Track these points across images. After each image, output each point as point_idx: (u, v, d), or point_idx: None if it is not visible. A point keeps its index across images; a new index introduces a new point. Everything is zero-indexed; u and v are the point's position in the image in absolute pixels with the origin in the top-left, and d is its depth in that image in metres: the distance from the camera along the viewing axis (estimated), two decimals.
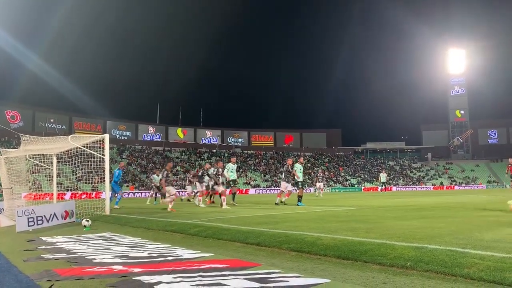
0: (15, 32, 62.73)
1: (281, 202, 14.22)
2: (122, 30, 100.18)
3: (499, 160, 78.98)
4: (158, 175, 20.77)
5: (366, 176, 71.94)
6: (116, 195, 15.78)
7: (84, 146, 11.76)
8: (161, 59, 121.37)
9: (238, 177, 15.85)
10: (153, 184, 20.65)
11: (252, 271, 3.85)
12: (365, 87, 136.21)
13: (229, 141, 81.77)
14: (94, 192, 34.23)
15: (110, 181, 13.59)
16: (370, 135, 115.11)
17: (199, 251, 5.04)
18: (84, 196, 34.70)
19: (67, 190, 34.53)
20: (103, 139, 11.96)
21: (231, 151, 76.19)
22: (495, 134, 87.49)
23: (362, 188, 61.52)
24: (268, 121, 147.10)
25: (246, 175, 62.80)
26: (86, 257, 4.84)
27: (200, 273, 3.75)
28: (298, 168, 14.31)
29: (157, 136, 75.35)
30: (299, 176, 14.27)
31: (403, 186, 64.67)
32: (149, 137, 74.74)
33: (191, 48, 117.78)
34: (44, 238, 6.88)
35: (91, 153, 11.85)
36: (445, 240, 4.75)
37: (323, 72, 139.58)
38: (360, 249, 4.34)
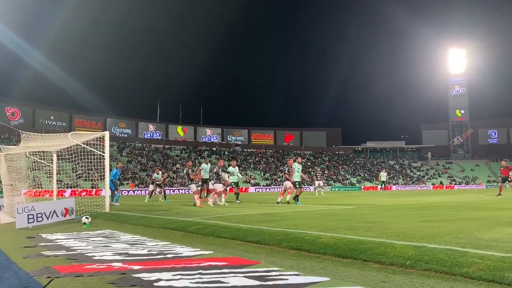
0: (17, 29, 62.73)
1: (286, 202, 13.88)
2: (123, 28, 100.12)
3: (499, 160, 78.88)
4: (158, 173, 20.83)
5: (366, 175, 71.95)
6: (116, 193, 15.83)
7: (84, 144, 11.76)
8: (162, 57, 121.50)
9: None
10: (155, 182, 20.60)
11: (251, 269, 3.85)
12: (365, 86, 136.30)
13: (229, 139, 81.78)
14: (94, 190, 34.29)
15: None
16: (370, 134, 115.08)
17: (199, 249, 5.04)
18: (84, 193, 34.74)
19: (67, 187, 34.55)
20: (103, 136, 11.96)
21: (231, 149, 76.19)
22: (495, 134, 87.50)
23: (362, 187, 61.54)
24: (268, 119, 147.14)
25: (246, 173, 62.82)
26: (85, 254, 4.84)
27: (200, 271, 3.75)
28: (296, 167, 14.27)
29: (157, 134, 75.36)
30: (295, 176, 14.19)
31: (403, 185, 64.69)
32: (149, 134, 74.76)
33: (192, 46, 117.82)
34: (44, 235, 6.88)
35: (91, 150, 11.85)
36: (444, 239, 4.75)
37: (324, 71, 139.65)
38: (359, 248, 4.34)
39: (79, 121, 67.26)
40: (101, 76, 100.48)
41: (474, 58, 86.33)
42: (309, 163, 71.12)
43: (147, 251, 5.02)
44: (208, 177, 16.12)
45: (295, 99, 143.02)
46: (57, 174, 13.36)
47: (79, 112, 69.04)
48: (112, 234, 6.97)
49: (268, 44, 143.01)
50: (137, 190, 45.00)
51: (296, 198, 13.96)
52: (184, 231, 6.91)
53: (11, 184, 12.07)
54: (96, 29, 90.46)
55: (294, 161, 14.69)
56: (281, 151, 79.22)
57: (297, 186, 14.14)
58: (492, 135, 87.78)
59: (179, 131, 78.07)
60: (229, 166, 16.00)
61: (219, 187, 14.24)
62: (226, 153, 72.89)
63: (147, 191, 20.87)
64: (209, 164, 16.60)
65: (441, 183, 68.57)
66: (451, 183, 68.36)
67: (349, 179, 69.08)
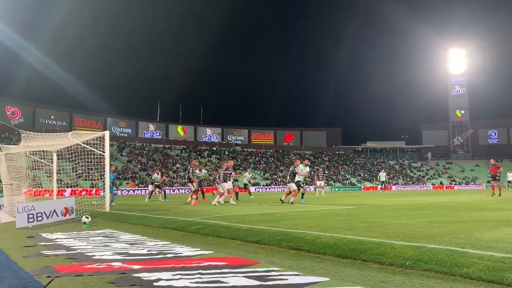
0: (17, 28, 62.71)
1: (290, 203, 13.70)
2: (123, 27, 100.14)
3: (500, 160, 78.89)
4: (158, 174, 20.84)
5: (366, 175, 71.95)
6: (102, 193, 15.60)
7: (84, 143, 11.77)
8: (162, 57, 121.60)
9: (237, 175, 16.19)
10: (154, 183, 20.56)
11: (251, 269, 3.86)
12: (365, 86, 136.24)
13: (229, 139, 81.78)
14: (94, 189, 34.27)
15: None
16: (370, 134, 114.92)
17: (199, 249, 5.05)
18: (84, 193, 34.73)
19: (67, 187, 34.55)
20: (104, 136, 11.97)
21: (231, 149, 76.19)
22: (495, 134, 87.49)
23: (362, 187, 61.54)
24: (268, 119, 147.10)
25: (235, 173, 62.70)
26: (85, 254, 4.85)
27: (200, 271, 3.75)
28: (300, 168, 14.42)
29: (157, 134, 75.37)
30: (299, 176, 14.34)
31: (402, 186, 64.69)
32: (149, 134, 74.76)
33: (191, 46, 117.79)
34: (44, 235, 6.89)
35: (91, 150, 11.85)
36: (444, 239, 4.75)
37: (324, 71, 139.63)
38: (359, 248, 4.34)
39: (79, 121, 67.26)
40: (102, 76, 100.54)
41: (474, 58, 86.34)
42: (309, 163, 71.01)
43: (147, 250, 5.02)
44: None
45: (295, 99, 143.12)
46: (57, 174, 13.36)
47: (79, 111, 69.04)
48: (112, 233, 6.97)
49: (268, 44, 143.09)
50: (137, 190, 45.01)
51: (301, 196, 14.39)
52: (184, 231, 6.91)
53: (11, 184, 12.07)
54: (96, 28, 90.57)
55: (301, 162, 14.83)
56: (281, 151, 79.22)
57: (301, 185, 14.40)
58: (492, 135, 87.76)
59: (179, 131, 78.08)
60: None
61: (227, 186, 14.48)
62: (226, 152, 72.89)
63: (147, 191, 20.85)
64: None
65: (441, 183, 68.55)
66: (451, 183, 68.34)
67: (349, 179, 69.08)
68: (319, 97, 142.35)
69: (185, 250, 4.98)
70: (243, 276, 3.52)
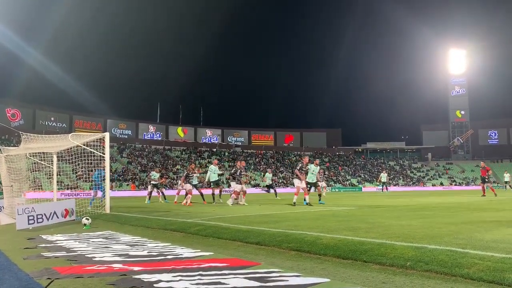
0: (17, 30, 62.78)
1: (293, 204, 13.22)
2: (122, 28, 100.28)
3: (500, 160, 78.98)
4: (157, 172, 20.73)
5: (366, 176, 71.93)
6: (92, 195, 15.31)
7: (84, 145, 11.77)
8: (162, 58, 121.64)
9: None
10: (151, 182, 20.40)
11: (252, 270, 3.85)
12: (365, 87, 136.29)
13: (229, 140, 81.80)
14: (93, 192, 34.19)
15: (103, 180, 13.49)
16: (370, 135, 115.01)
17: (199, 250, 5.04)
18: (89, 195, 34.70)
19: (67, 189, 34.52)
20: (104, 137, 11.97)
21: (231, 150, 76.21)
22: (495, 135, 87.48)
23: (362, 188, 61.52)
24: (268, 120, 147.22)
25: (247, 174, 62.80)
26: (86, 256, 4.84)
27: (200, 272, 3.75)
28: (311, 169, 14.14)
29: (158, 135, 75.39)
30: (308, 177, 14.06)
31: (403, 186, 64.66)
32: (149, 135, 74.78)
33: (191, 47, 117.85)
34: (44, 236, 6.88)
35: (91, 151, 11.85)
36: (444, 240, 4.75)
37: (324, 72, 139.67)
38: (360, 249, 4.34)
39: (79, 122, 67.27)
40: (101, 77, 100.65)
41: (474, 59, 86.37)
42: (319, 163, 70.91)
43: (147, 252, 5.02)
44: (217, 178, 16.71)
45: (295, 100, 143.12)
46: (57, 175, 13.36)
47: (79, 113, 69.07)
48: (112, 235, 6.97)
49: (268, 44, 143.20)
50: (138, 191, 44.99)
51: (319, 197, 14.53)
52: (184, 232, 6.91)
53: (11, 185, 12.08)
54: (96, 29, 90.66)
55: (312, 162, 14.65)
56: (281, 152, 79.23)
57: (317, 185, 14.47)
58: (492, 135, 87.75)
59: (179, 132, 78.09)
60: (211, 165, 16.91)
61: (238, 187, 14.60)
62: (227, 154, 72.89)
63: (147, 193, 20.81)
64: (217, 166, 16.85)
65: (441, 184, 68.52)
66: (451, 184, 68.30)
67: (349, 180, 69.05)
68: (319, 98, 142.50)
69: (186, 252, 4.97)
70: (243, 278, 3.52)
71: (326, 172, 69.21)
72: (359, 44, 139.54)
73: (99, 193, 15.02)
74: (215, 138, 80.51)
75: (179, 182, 17.21)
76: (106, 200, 11.81)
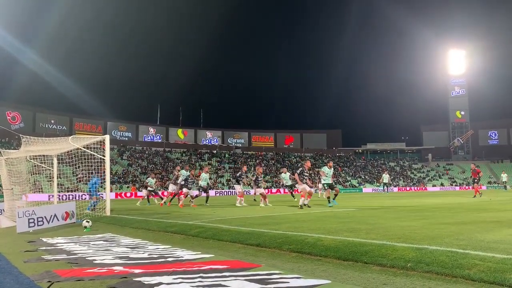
0: (16, 33, 62.88)
1: (300, 206, 12.98)
2: (122, 30, 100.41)
3: (500, 161, 78.96)
4: (153, 178, 21.00)
5: (366, 177, 71.91)
6: (91, 201, 15.25)
7: (84, 147, 11.77)
8: (162, 60, 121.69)
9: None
10: (148, 187, 20.75)
11: (252, 272, 3.85)
12: (365, 88, 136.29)
13: (229, 141, 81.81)
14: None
15: (102, 183, 13.56)
16: (371, 136, 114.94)
17: (200, 252, 5.04)
18: (84, 197, 34.67)
19: (68, 191, 34.51)
20: (104, 140, 11.98)
21: (232, 152, 76.21)
22: (495, 135, 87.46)
23: (363, 188, 61.50)
24: (268, 122, 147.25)
25: (247, 176, 62.76)
26: (86, 258, 4.84)
27: (201, 274, 3.75)
28: (326, 171, 14.42)
29: (158, 137, 75.40)
30: (325, 179, 14.31)
31: (403, 187, 64.63)
32: (149, 138, 74.79)
33: (191, 48, 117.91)
34: (44, 239, 6.88)
35: (91, 154, 11.86)
36: (445, 241, 4.75)
37: (324, 73, 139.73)
38: (360, 250, 4.34)
39: (80, 125, 67.29)
40: (101, 80, 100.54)
41: (474, 59, 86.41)
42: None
43: (148, 254, 5.02)
44: (207, 184, 16.90)
45: (295, 101, 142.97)
46: (57, 178, 13.37)
47: (79, 115, 69.10)
48: (112, 237, 6.97)
49: (268, 45, 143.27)
50: (139, 193, 44.95)
51: (333, 197, 14.31)
52: (184, 234, 6.90)
53: (12, 188, 12.08)
54: (95, 32, 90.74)
55: (325, 164, 14.85)
56: (281, 154, 79.21)
57: (334, 186, 14.50)
58: (492, 136, 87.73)
59: (180, 134, 78.10)
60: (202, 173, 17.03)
61: (261, 190, 15.32)
62: (227, 155, 72.89)
63: (143, 196, 21.21)
64: (207, 174, 17.07)
65: (441, 184, 68.46)
66: (451, 184, 68.25)
67: (350, 181, 69.02)
68: (319, 99, 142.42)
69: (186, 254, 4.97)
70: (244, 280, 3.52)
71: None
72: (359, 44, 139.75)
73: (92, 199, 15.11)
74: (215, 140, 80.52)
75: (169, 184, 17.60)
76: (107, 203, 11.80)
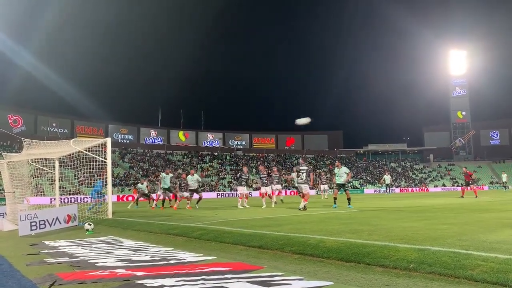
0: (16, 37, 63.04)
1: (301, 208, 12.61)
2: (123, 33, 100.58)
3: (502, 161, 78.81)
4: (143, 184, 21.24)
5: (368, 178, 71.82)
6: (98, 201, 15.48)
7: (86, 150, 11.79)
8: (162, 63, 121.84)
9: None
10: (139, 191, 21.27)
11: (254, 274, 3.85)
12: (366, 89, 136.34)
13: (230, 143, 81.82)
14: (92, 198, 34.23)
15: (104, 185, 13.68)
16: (372, 137, 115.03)
17: (202, 254, 5.04)
18: (86, 200, 34.72)
19: (70, 194, 34.56)
20: (105, 143, 12.00)
21: (233, 153, 76.19)
22: (497, 135, 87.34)
23: (364, 190, 61.41)
24: (269, 123, 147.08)
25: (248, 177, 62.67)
26: (88, 261, 4.84)
27: (203, 277, 3.75)
28: (335, 171, 14.51)
29: (159, 139, 75.47)
30: (337, 180, 14.26)
31: (405, 188, 64.53)
32: (151, 140, 74.84)
33: (192, 51, 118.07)
34: (46, 242, 6.89)
35: (93, 157, 11.87)
36: (448, 241, 4.74)
37: (325, 74, 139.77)
38: (362, 251, 4.33)
39: (81, 128, 67.39)
40: (102, 83, 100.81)
41: (474, 60, 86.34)
42: (311, 167, 70.90)
43: (150, 257, 5.02)
44: (196, 187, 16.81)
45: (296, 102, 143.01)
46: (59, 181, 13.38)
47: (80, 118, 69.19)
48: (114, 240, 6.97)
49: (268, 47, 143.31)
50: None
51: (348, 202, 13.96)
52: (186, 236, 6.90)
53: (14, 192, 12.10)
54: (96, 35, 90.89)
55: (336, 166, 14.83)
56: (282, 155, 79.17)
57: (346, 188, 14.42)
58: (493, 136, 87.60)
59: (181, 136, 78.14)
60: (187, 175, 17.21)
61: (269, 190, 15.73)
62: (228, 157, 72.88)
63: (134, 199, 21.86)
64: (194, 175, 17.00)
65: (443, 185, 68.33)
66: (453, 185, 68.11)
67: (351, 182, 68.94)
68: (320, 100, 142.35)
69: (188, 256, 4.97)
70: (246, 281, 3.52)
71: (328, 175, 69.17)
72: (360, 45, 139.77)
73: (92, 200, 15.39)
74: (216, 142, 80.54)
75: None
76: (108, 205, 11.81)
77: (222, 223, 8.34)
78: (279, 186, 19.31)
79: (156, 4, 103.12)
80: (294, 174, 19.04)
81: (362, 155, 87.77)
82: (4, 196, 13.81)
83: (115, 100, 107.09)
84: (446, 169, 79.51)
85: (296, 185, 13.57)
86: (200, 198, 17.14)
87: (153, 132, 75.74)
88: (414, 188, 64.09)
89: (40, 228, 8.67)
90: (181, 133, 78.24)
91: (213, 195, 48.86)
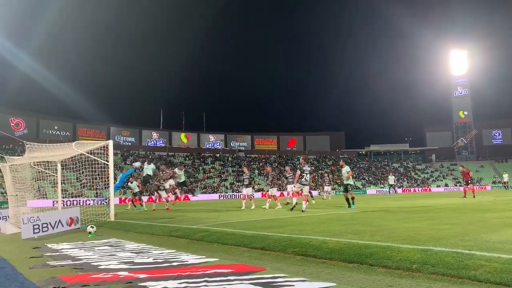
0: (15, 37, 63.24)
1: (297, 208, 12.99)
2: (123, 34, 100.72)
3: (504, 160, 78.60)
4: (132, 182, 21.28)
5: (370, 178, 71.72)
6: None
7: (88, 153, 11.81)
8: (164, 65, 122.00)
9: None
10: (132, 191, 21.25)
11: (257, 275, 3.85)
12: (368, 89, 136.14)
13: (232, 145, 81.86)
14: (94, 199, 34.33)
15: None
16: (374, 137, 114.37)
17: (204, 256, 5.04)
18: (88, 202, 34.78)
19: (72, 197, 34.63)
20: (107, 145, 12.02)
21: (235, 155, 76.21)
22: (499, 135, 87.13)
23: (367, 190, 61.33)
24: (271, 124, 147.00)
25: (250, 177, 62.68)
26: (91, 264, 4.85)
27: (206, 278, 3.75)
28: (342, 172, 14.42)
29: (161, 142, 75.54)
30: (350, 180, 14.24)
31: (407, 188, 64.42)
32: (152, 142, 74.93)
33: (194, 53, 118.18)
34: (49, 245, 6.90)
35: (95, 159, 11.89)
36: (450, 242, 4.73)
37: (326, 75, 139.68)
38: (365, 252, 4.33)
39: (83, 131, 67.54)
40: (104, 85, 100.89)
41: (476, 59, 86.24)
42: (313, 168, 70.95)
43: (153, 259, 5.02)
44: (184, 179, 17.64)
45: (298, 103, 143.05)
46: (61, 184, 13.41)
47: (82, 121, 69.34)
48: (117, 243, 6.97)
49: (269, 48, 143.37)
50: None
51: (351, 201, 13.96)
52: (189, 238, 6.91)
53: (16, 195, 12.13)
54: (97, 38, 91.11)
55: (340, 166, 14.78)
56: (284, 156, 79.12)
57: (349, 190, 14.30)
58: (496, 135, 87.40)
59: (183, 138, 78.21)
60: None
61: (275, 191, 15.89)
62: (230, 159, 72.89)
63: (129, 200, 21.90)
64: (181, 170, 17.30)
65: (446, 185, 68.18)
66: (456, 185, 67.95)
67: (354, 183, 68.84)
68: (322, 101, 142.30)
69: (191, 258, 4.97)
70: (249, 283, 3.52)
71: (330, 176, 69.07)
72: (361, 46, 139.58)
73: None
74: (218, 143, 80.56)
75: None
76: (111, 208, 11.82)
77: (224, 225, 8.34)
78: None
79: (156, 4, 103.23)
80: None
81: (364, 155, 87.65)
82: (7, 199, 13.84)
83: (116, 103, 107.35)
84: (448, 169, 79.33)
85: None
86: (177, 198, 17.34)
87: (155, 134, 75.82)
88: (416, 188, 64.01)
89: (42, 231, 8.69)
90: (183, 135, 78.32)
91: (215, 196, 48.89)
